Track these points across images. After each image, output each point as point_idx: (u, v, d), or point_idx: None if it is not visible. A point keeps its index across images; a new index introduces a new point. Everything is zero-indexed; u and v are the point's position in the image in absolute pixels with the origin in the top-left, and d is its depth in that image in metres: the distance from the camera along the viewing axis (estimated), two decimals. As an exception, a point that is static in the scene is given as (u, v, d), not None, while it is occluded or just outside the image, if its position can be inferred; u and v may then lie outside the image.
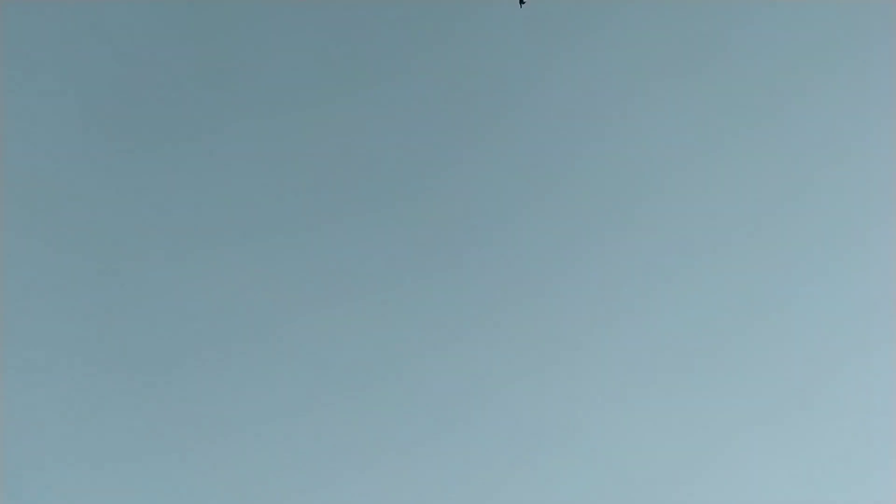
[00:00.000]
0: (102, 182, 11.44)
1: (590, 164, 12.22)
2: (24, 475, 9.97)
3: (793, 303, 11.75)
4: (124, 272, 11.45)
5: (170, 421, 11.04)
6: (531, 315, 11.97)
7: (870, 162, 11.34)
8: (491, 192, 12.34)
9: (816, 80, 11.44)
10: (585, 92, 12.13)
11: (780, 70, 11.58)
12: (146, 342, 11.30)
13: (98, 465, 10.48)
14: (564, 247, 12.39)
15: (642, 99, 12.06)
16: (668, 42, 11.94)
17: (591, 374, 11.64)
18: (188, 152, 11.88)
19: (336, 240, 12.08)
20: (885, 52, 10.70)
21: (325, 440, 11.31)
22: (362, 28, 12.36)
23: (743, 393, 11.49)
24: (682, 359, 11.58)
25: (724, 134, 11.80)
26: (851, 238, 11.54)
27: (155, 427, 10.92)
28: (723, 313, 11.80)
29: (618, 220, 12.25)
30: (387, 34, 12.28)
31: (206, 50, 11.70)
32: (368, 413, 11.48)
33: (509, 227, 12.22)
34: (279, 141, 12.23)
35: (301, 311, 11.99)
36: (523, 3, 9.24)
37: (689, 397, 11.38)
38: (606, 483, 11.04)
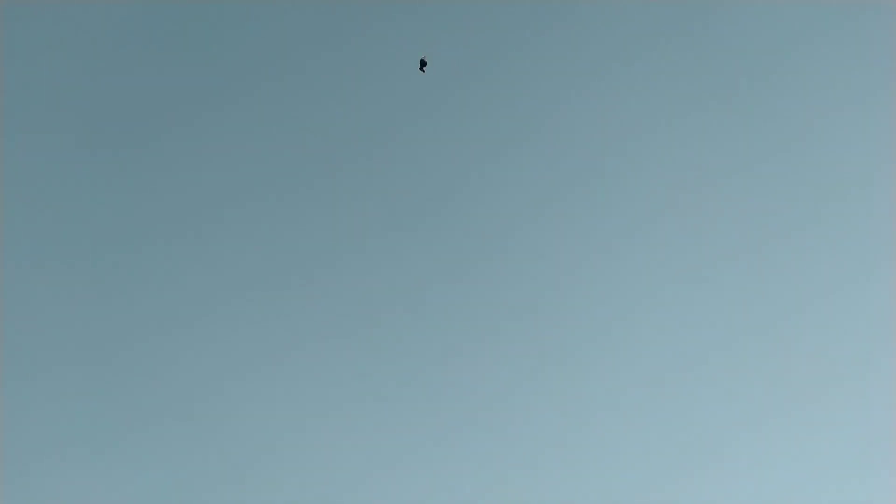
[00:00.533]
0: (102, 182, 11.33)
1: (593, 170, 12.11)
2: (25, 474, 9.87)
3: (793, 307, 11.65)
4: (123, 273, 11.34)
5: (168, 418, 10.90)
6: (538, 324, 11.85)
7: (870, 163, 11.25)
8: (497, 203, 12.20)
9: (817, 80, 11.35)
10: (589, 98, 12.03)
11: (781, 71, 11.50)
12: (145, 342, 11.18)
13: (97, 462, 10.37)
14: (570, 255, 12.27)
15: (646, 104, 11.96)
16: (669, 45, 11.85)
17: (597, 379, 11.53)
18: (187, 152, 11.76)
19: (340, 243, 11.95)
20: (886, 52, 10.63)
21: (335, 443, 11.17)
22: (371, 37, 12.25)
23: (744, 398, 11.38)
24: (686, 364, 11.47)
25: (725, 136, 11.71)
26: (852, 239, 11.45)
27: (153, 424, 10.78)
28: (725, 319, 11.69)
29: (621, 229, 12.12)
30: (397, 42, 12.17)
31: (208, 50, 11.61)
32: (378, 418, 11.35)
33: (518, 239, 12.09)
34: (284, 140, 12.10)
35: (304, 314, 11.85)
36: (423, 68, 9.26)
37: (692, 401, 11.28)
38: (610, 484, 10.93)
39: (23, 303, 10.63)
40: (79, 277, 11.04)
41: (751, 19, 11.61)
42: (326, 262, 11.79)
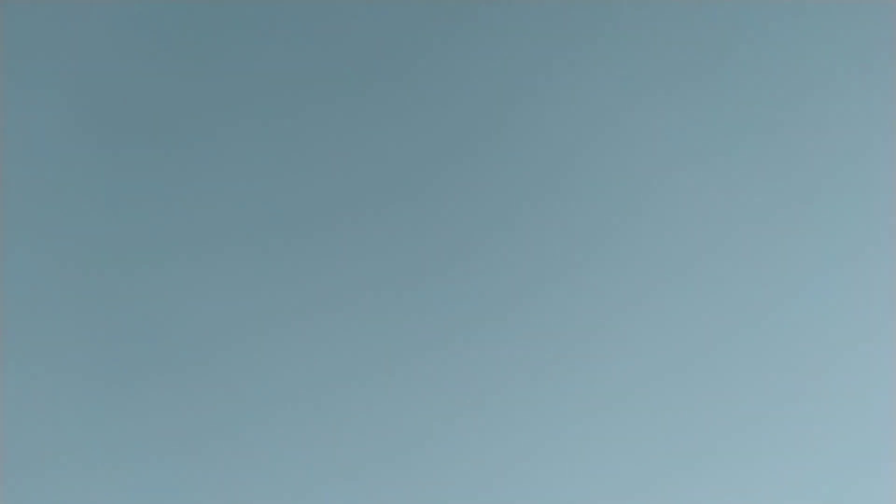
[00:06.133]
0: (102, 184, 11.47)
1: (591, 168, 12.24)
2: (25, 475, 9.99)
3: (793, 306, 11.75)
4: (123, 274, 11.47)
5: (170, 423, 11.04)
6: (532, 318, 11.99)
7: (870, 165, 11.37)
8: (493, 194, 12.38)
9: (816, 82, 11.46)
10: (588, 95, 12.16)
11: (780, 72, 11.63)
12: (146, 345, 11.32)
13: (99, 467, 10.46)
14: (566, 250, 12.40)
15: (644, 102, 12.09)
16: (667, 44, 11.98)
17: (593, 377, 11.64)
18: (189, 153, 11.90)
19: (337, 241, 12.10)
20: (885, 53, 10.75)
21: (322, 443, 11.32)
22: (367, 28, 12.44)
23: (744, 397, 11.50)
24: (684, 362, 11.59)
25: (725, 136, 11.84)
26: (853, 241, 11.53)
27: (156, 429, 10.92)
28: (726, 318, 11.81)
29: (619, 224, 12.26)
30: (392, 35, 12.33)
31: (209, 49, 11.75)
32: (366, 416, 11.51)
33: (512, 230, 12.25)
34: (284, 141, 12.27)
35: (301, 313, 12.00)
36: None
37: (690, 400, 11.40)
38: (605, 484, 11.03)
39: (23, 304, 10.72)
40: (83, 281, 11.16)
41: (751, 19, 11.73)
42: (312, 251, 11.96)
